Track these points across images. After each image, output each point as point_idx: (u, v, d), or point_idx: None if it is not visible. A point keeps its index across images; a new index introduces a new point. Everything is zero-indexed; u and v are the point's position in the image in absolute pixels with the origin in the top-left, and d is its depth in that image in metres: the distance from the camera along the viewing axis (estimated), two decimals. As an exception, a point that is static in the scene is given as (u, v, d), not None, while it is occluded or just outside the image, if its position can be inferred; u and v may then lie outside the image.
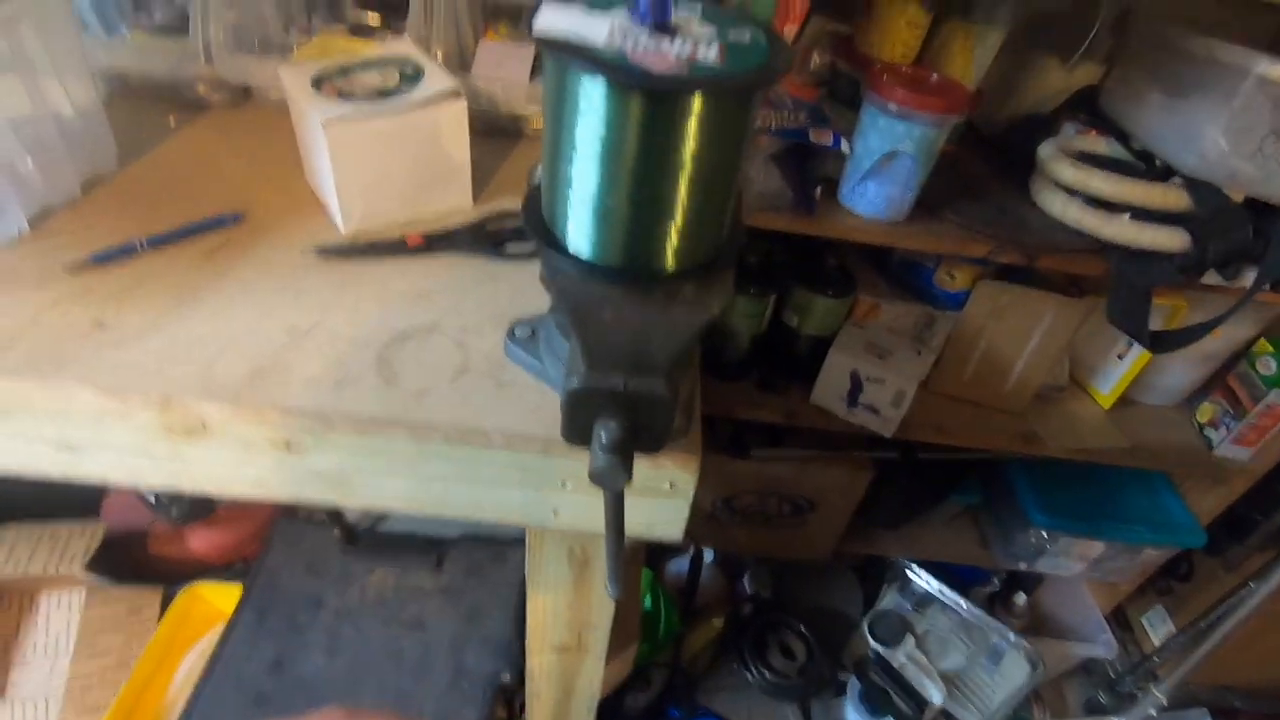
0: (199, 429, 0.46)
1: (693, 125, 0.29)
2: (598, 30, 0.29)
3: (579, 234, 0.33)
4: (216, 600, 1.06)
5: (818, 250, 0.96)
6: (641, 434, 0.39)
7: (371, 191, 0.59)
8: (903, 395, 0.94)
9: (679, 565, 1.27)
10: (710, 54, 0.29)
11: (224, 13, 0.68)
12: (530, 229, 0.35)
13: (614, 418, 0.38)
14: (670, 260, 0.34)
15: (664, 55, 0.28)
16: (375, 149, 0.58)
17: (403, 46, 0.64)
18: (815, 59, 0.89)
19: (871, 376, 0.94)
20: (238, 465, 0.49)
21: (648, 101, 0.28)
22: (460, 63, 0.77)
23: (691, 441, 0.48)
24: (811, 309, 0.96)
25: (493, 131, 0.75)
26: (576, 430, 0.39)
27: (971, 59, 0.87)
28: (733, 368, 1.04)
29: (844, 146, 0.77)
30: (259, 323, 0.50)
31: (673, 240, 0.33)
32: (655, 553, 1.16)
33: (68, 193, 0.59)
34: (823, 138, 0.77)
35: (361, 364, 0.48)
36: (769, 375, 1.04)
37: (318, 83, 0.59)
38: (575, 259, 0.34)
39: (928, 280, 0.99)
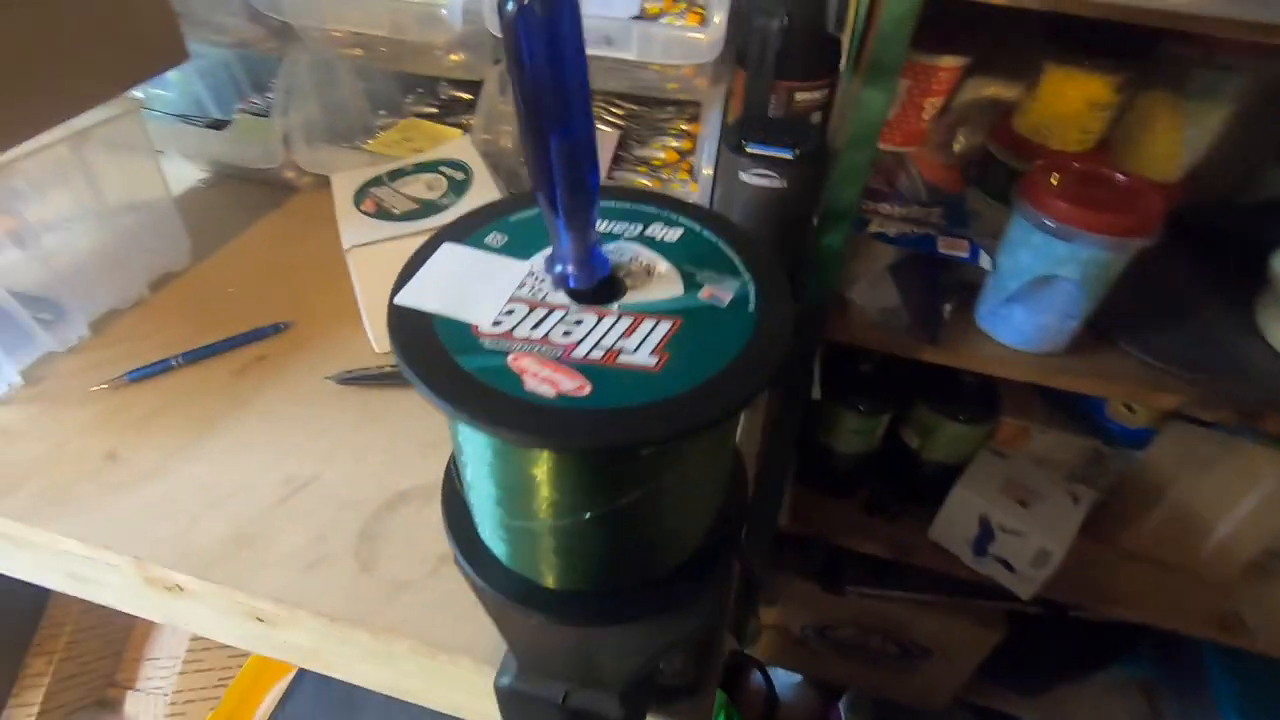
0: (177, 590, 0.44)
1: (589, 479, 0.19)
2: (491, 294, 0.20)
3: (494, 542, 0.25)
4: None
5: (951, 360, 0.79)
6: (600, 747, 0.29)
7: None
8: (1047, 556, 0.75)
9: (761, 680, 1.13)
10: (640, 353, 0.19)
11: (305, 103, 0.67)
12: (445, 519, 0.26)
13: (558, 727, 0.29)
14: (603, 584, 0.24)
15: (560, 364, 0.18)
16: (403, 272, 0.53)
17: (460, 149, 0.59)
18: (961, 138, 0.73)
19: (1007, 527, 0.76)
20: (221, 622, 0.46)
21: (519, 453, 0.19)
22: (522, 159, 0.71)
23: (705, 698, 0.38)
24: (937, 433, 0.80)
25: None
26: (517, 724, 0.31)
27: (1181, 142, 0.67)
28: (836, 481, 0.89)
29: (984, 262, 0.62)
30: (259, 474, 0.47)
31: (600, 568, 0.23)
32: (729, 668, 1.04)
33: (135, 294, 0.60)
34: (955, 248, 0.62)
35: (343, 539, 0.44)
36: (880, 496, 0.89)
37: (361, 195, 0.55)
38: (495, 565, 0.25)
39: (1098, 409, 0.79)
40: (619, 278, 0.21)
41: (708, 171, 0.63)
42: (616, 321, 0.19)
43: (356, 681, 0.46)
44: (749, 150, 0.52)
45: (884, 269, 0.64)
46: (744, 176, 0.52)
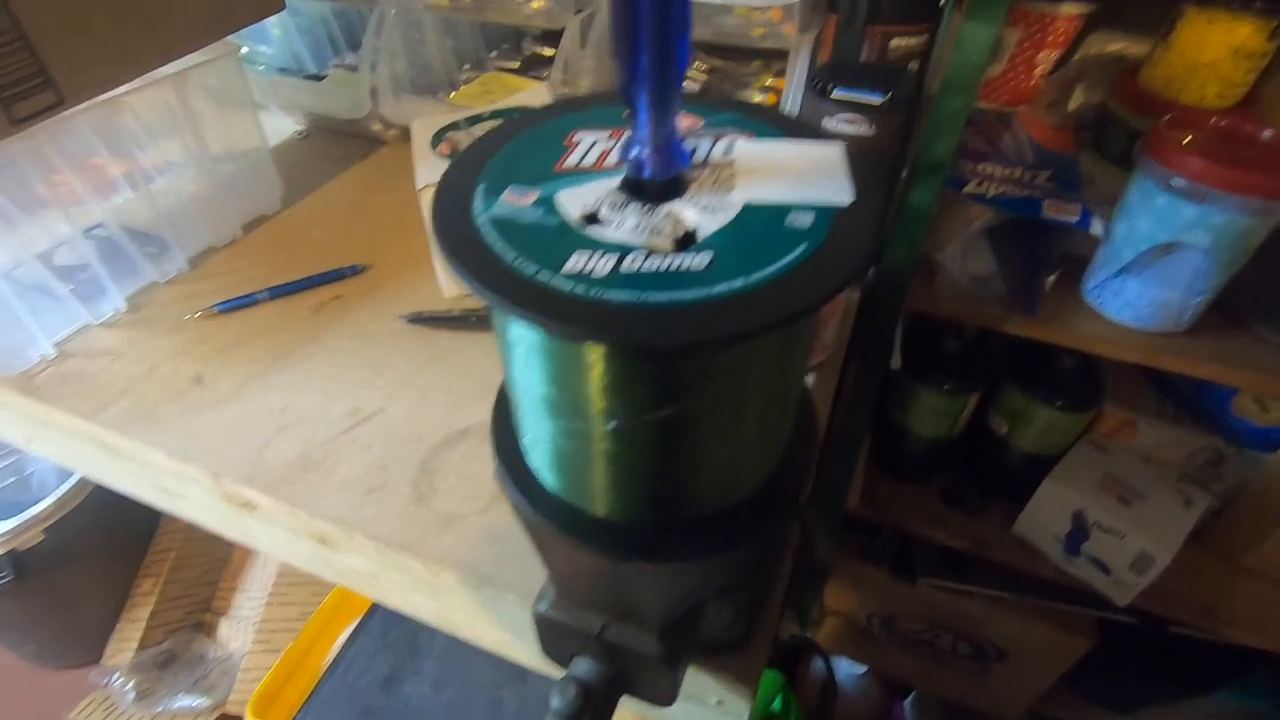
0: (250, 506, 0.46)
1: (643, 379, 0.18)
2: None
3: (541, 464, 0.24)
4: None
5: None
6: (636, 685, 0.28)
7: (474, 258, 0.54)
8: (1149, 561, 0.68)
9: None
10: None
11: (392, 57, 0.68)
12: (494, 440, 0.25)
13: (594, 659, 0.28)
14: (652, 515, 0.23)
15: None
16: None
17: (537, 96, 0.59)
18: (1078, 95, 0.67)
19: (1105, 525, 0.70)
20: (290, 543, 0.48)
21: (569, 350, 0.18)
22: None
23: (751, 657, 0.36)
24: (1029, 419, 0.74)
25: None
26: (556, 653, 0.30)
27: (1347, 100, 0.58)
28: (911, 465, 0.84)
29: (1097, 229, 0.56)
30: (328, 404, 0.49)
31: (650, 495, 0.22)
32: (789, 651, 1.01)
33: (229, 233, 0.63)
34: (1064, 212, 0.56)
35: (403, 469, 0.44)
36: (959, 486, 0.83)
37: (438, 138, 0.55)
38: (539, 490, 0.24)
39: (1221, 403, 0.70)
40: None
41: (791, 124, 0.59)
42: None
43: (409, 612, 0.47)
44: (835, 95, 0.49)
45: (979, 233, 0.59)
46: (828, 124, 0.48)
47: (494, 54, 0.80)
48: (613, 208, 0.18)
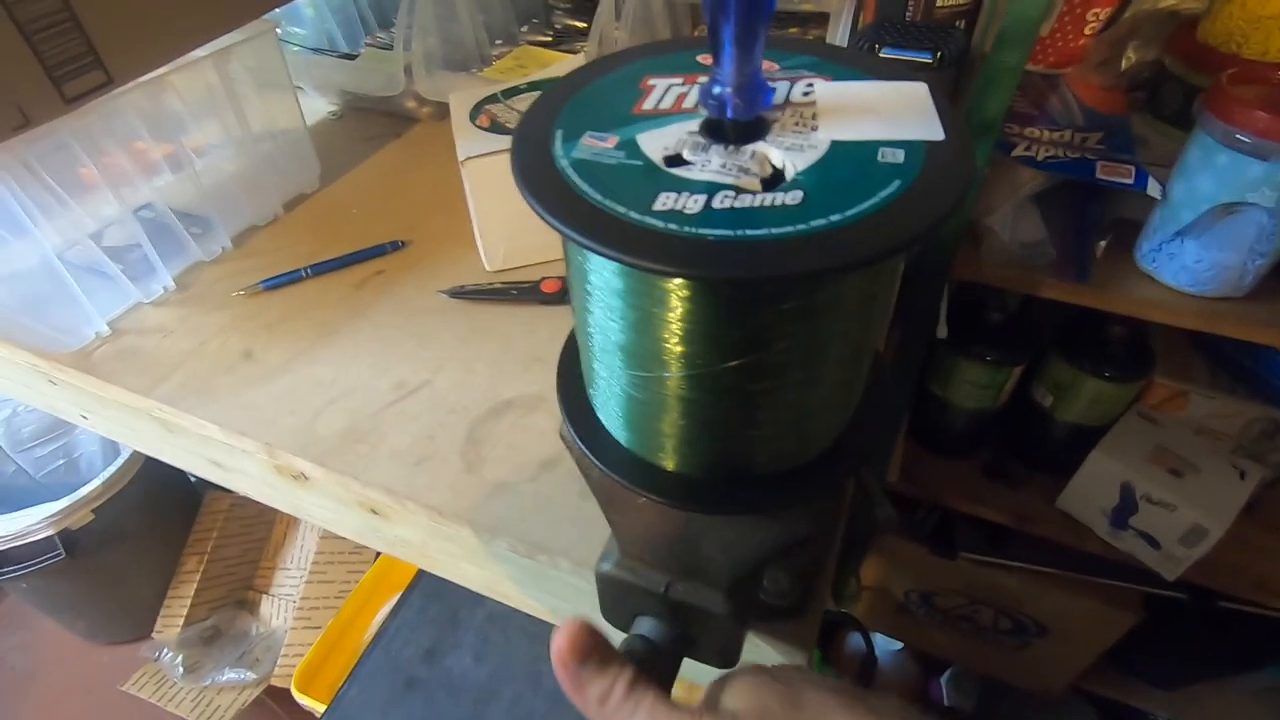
0: (302, 478, 0.46)
1: (725, 317, 0.17)
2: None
3: (611, 417, 0.23)
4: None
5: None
6: (699, 645, 0.28)
7: (515, 230, 0.54)
8: (1202, 534, 0.66)
9: (860, 641, 1.09)
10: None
11: (425, 36, 0.68)
12: (560, 396, 0.25)
13: (658, 619, 0.28)
14: (725, 469, 0.23)
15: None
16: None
17: (572, 67, 0.58)
18: (1130, 54, 0.64)
19: (1155, 498, 0.68)
20: (340, 513, 0.49)
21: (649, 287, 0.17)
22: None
23: (808, 623, 0.36)
24: (1075, 391, 0.72)
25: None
26: (616, 615, 0.30)
27: None
28: (952, 439, 0.83)
29: (1153, 190, 0.54)
30: (374, 377, 0.49)
31: (725, 447, 0.22)
32: (825, 626, 1.01)
33: (271, 212, 0.63)
34: (1118, 174, 0.55)
35: (451, 440, 0.45)
36: (1002, 460, 0.82)
37: (476, 111, 0.55)
38: (609, 444, 0.24)
39: (1277, 372, 0.68)
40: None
41: (832, 89, 0.58)
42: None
43: (459, 580, 0.48)
44: (883, 55, 0.48)
45: (1028, 198, 0.57)
46: (875, 85, 0.47)
47: (525, 28, 0.79)
48: (696, 149, 0.18)
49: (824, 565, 0.37)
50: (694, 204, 0.16)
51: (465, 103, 0.57)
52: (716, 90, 0.18)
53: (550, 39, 0.77)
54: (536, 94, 0.57)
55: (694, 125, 0.19)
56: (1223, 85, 0.51)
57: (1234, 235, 0.52)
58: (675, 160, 0.18)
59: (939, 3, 0.53)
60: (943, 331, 0.56)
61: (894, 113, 0.18)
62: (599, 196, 0.16)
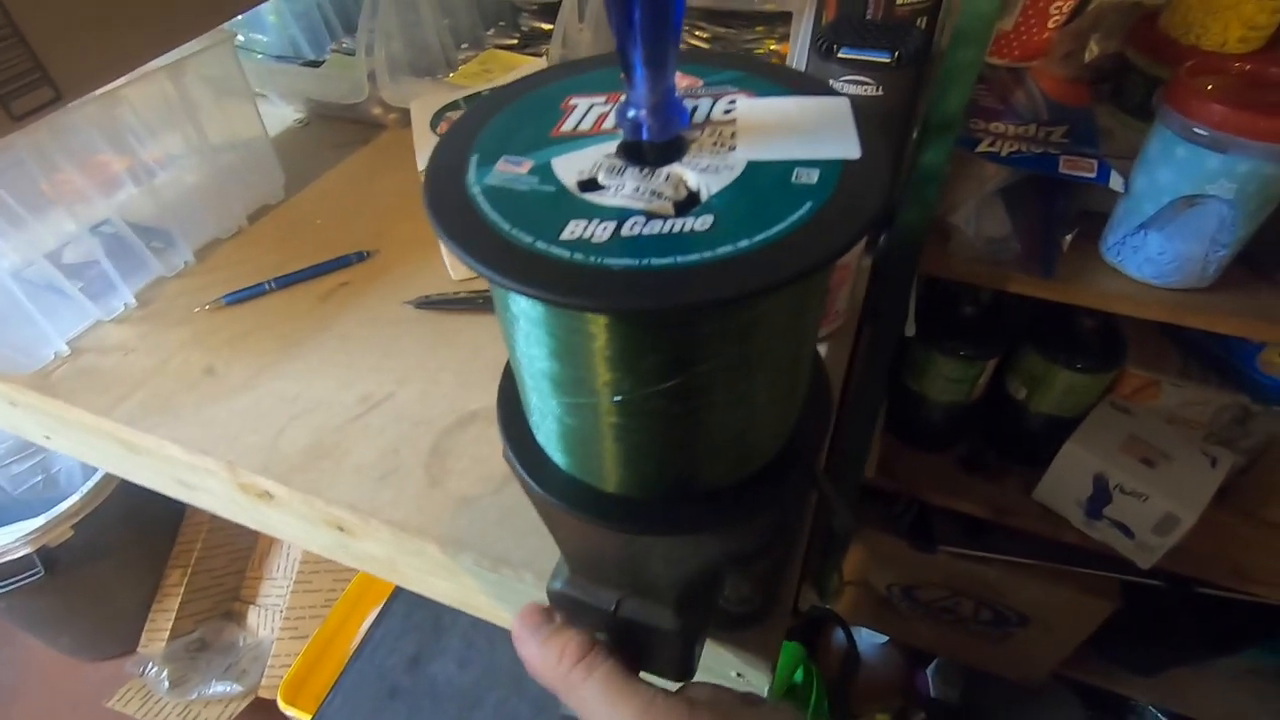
0: (267, 496, 0.46)
1: (646, 346, 0.17)
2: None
3: (548, 441, 0.23)
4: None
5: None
6: (652, 660, 0.28)
7: (479, 239, 0.54)
8: (1174, 522, 0.67)
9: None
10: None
11: (389, 41, 0.67)
12: (501, 420, 0.25)
13: (610, 636, 0.28)
14: (664, 488, 0.22)
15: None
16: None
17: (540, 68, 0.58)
18: (1093, 46, 0.64)
19: (1128, 488, 0.69)
20: (307, 530, 0.48)
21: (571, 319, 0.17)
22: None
23: (770, 629, 0.36)
24: (1048, 383, 0.72)
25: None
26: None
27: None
28: (928, 434, 0.84)
29: (1115, 183, 0.54)
30: (339, 391, 0.49)
31: (662, 468, 0.22)
32: (810, 623, 1.01)
33: (234, 224, 0.63)
34: (1081, 168, 0.55)
35: (415, 453, 0.44)
36: (978, 453, 0.82)
37: (437, 119, 0.55)
38: (549, 468, 0.24)
39: (1246, 359, 0.69)
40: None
41: (796, 89, 0.58)
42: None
43: (428, 594, 0.48)
44: (841, 55, 0.48)
45: (993, 193, 0.58)
46: (835, 86, 0.47)
47: (491, 31, 0.78)
48: (611, 172, 0.18)
49: (786, 570, 0.37)
50: (603, 231, 0.16)
51: (426, 110, 0.56)
52: (630, 113, 0.17)
53: (517, 42, 0.76)
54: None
55: (612, 147, 0.18)
56: (1181, 78, 0.51)
57: (1196, 227, 0.53)
58: (590, 185, 0.17)
59: (899, 1, 0.53)
60: (911, 330, 0.57)
61: (813, 130, 0.18)
62: (507, 226, 0.16)
